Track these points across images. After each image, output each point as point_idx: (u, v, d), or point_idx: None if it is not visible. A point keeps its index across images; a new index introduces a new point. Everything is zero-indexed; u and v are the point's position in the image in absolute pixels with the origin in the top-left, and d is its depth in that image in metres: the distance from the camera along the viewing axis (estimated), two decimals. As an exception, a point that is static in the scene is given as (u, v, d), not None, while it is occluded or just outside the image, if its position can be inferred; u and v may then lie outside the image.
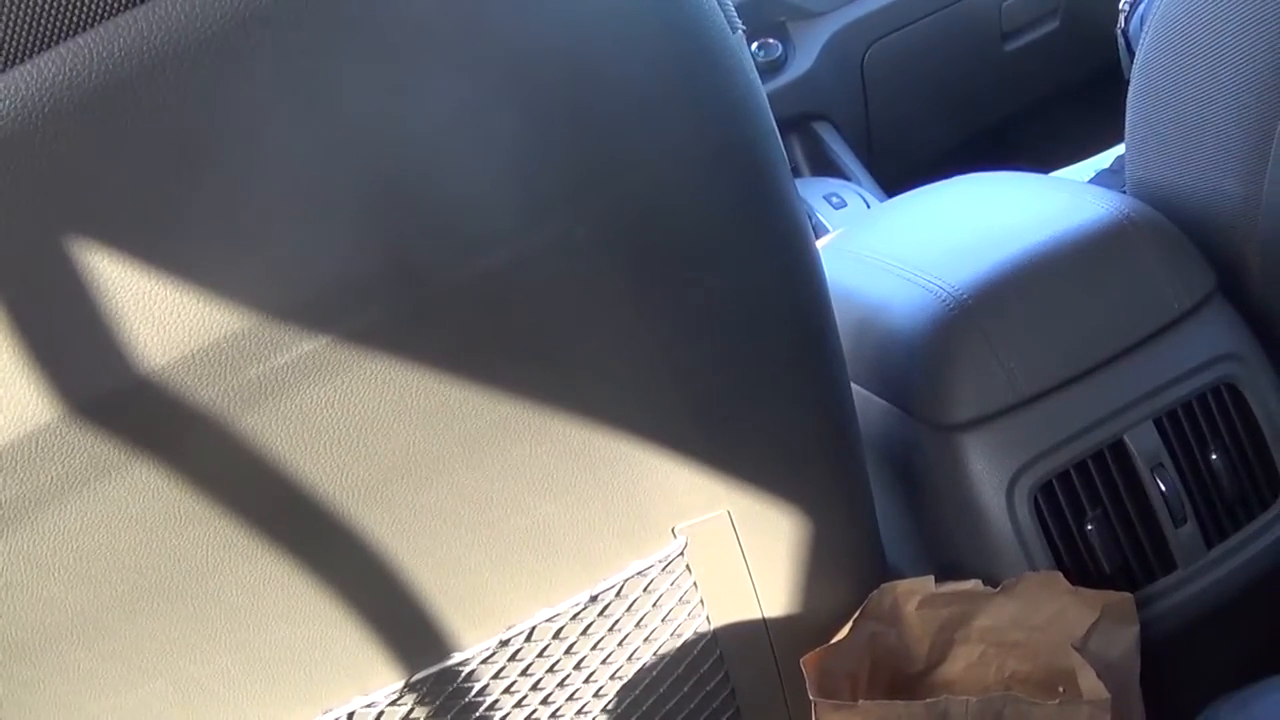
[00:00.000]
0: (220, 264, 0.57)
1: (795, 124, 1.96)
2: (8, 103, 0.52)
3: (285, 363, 0.60)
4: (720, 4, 0.64)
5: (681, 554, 0.78)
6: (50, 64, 0.53)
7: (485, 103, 0.58)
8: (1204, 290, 0.95)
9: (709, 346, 0.69)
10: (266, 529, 0.67)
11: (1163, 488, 0.89)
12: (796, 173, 1.98)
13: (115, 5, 0.54)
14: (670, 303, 0.67)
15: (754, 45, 1.91)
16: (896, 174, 1.96)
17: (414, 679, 0.77)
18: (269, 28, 0.55)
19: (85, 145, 0.54)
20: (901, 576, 0.87)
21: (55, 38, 0.54)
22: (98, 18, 0.54)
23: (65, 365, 0.57)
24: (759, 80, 0.67)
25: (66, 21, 0.54)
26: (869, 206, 1.76)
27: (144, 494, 0.63)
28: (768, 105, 0.67)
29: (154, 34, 0.53)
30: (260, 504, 0.66)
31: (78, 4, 0.54)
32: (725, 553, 0.79)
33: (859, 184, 1.86)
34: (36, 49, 0.53)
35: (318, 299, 0.59)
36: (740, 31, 0.66)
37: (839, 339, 0.76)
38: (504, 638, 0.78)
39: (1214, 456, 0.92)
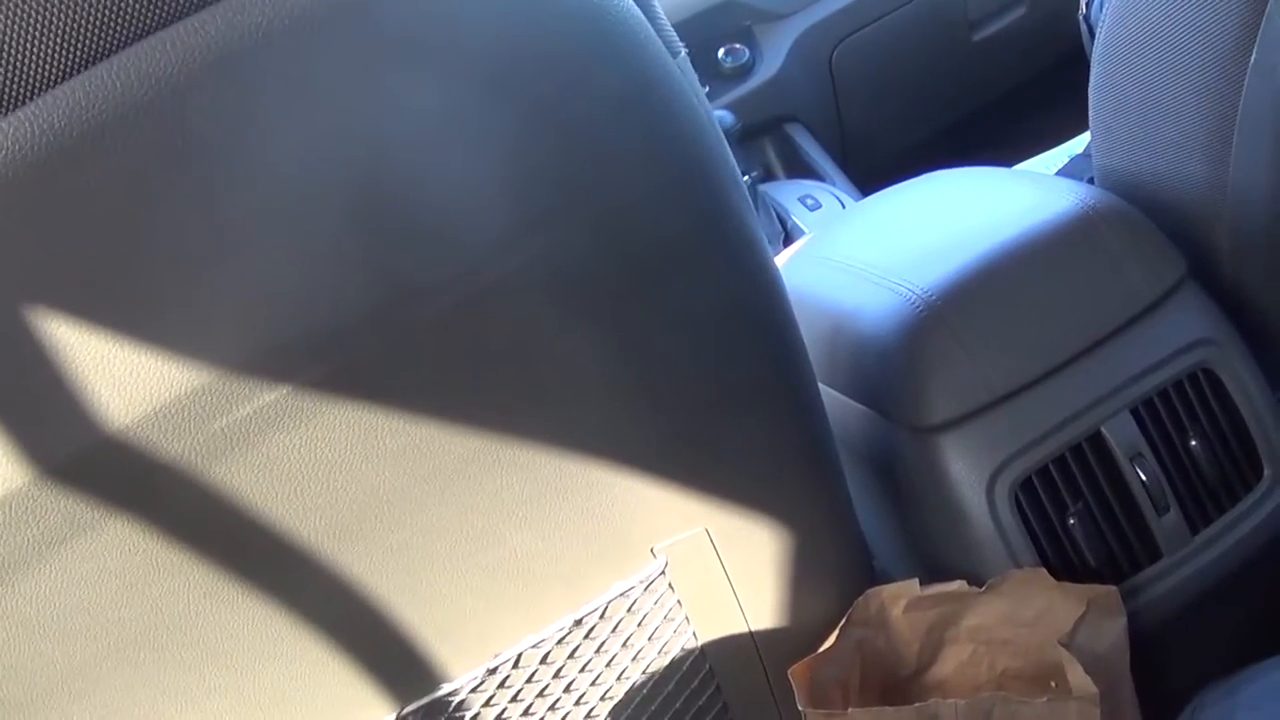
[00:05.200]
0: (177, 321, 0.57)
1: (767, 127, 1.96)
2: None
3: (248, 414, 0.60)
4: (659, 30, 0.64)
5: (663, 573, 0.78)
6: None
7: (461, 122, 0.59)
8: (1174, 277, 0.95)
9: (675, 366, 0.69)
10: (245, 574, 0.67)
11: (1143, 477, 0.90)
12: (770, 175, 1.98)
13: (59, 74, 0.54)
14: (634, 323, 0.67)
15: (720, 51, 1.91)
16: (871, 171, 1.96)
17: (404, 712, 0.78)
18: (230, 72, 0.55)
19: (36, 211, 0.54)
20: (889, 580, 0.87)
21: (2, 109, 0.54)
22: (40, 88, 0.54)
23: (31, 431, 0.57)
24: (705, 103, 0.67)
25: (10, 93, 0.54)
26: (844, 206, 1.76)
27: (121, 549, 0.63)
28: (716, 125, 0.68)
29: (103, 95, 0.54)
30: (237, 550, 0.66)
31: (16, 79, 0.54)
32: (706, 569, 0.79)
33: (833, 184, 1.85)
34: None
35: (276, 350, 0.59)
36: (683, 55, 0.67)
37: (805, 349, 0.76)
38: (491, 666, 0.78)
39: (1193, 442, 0.92)
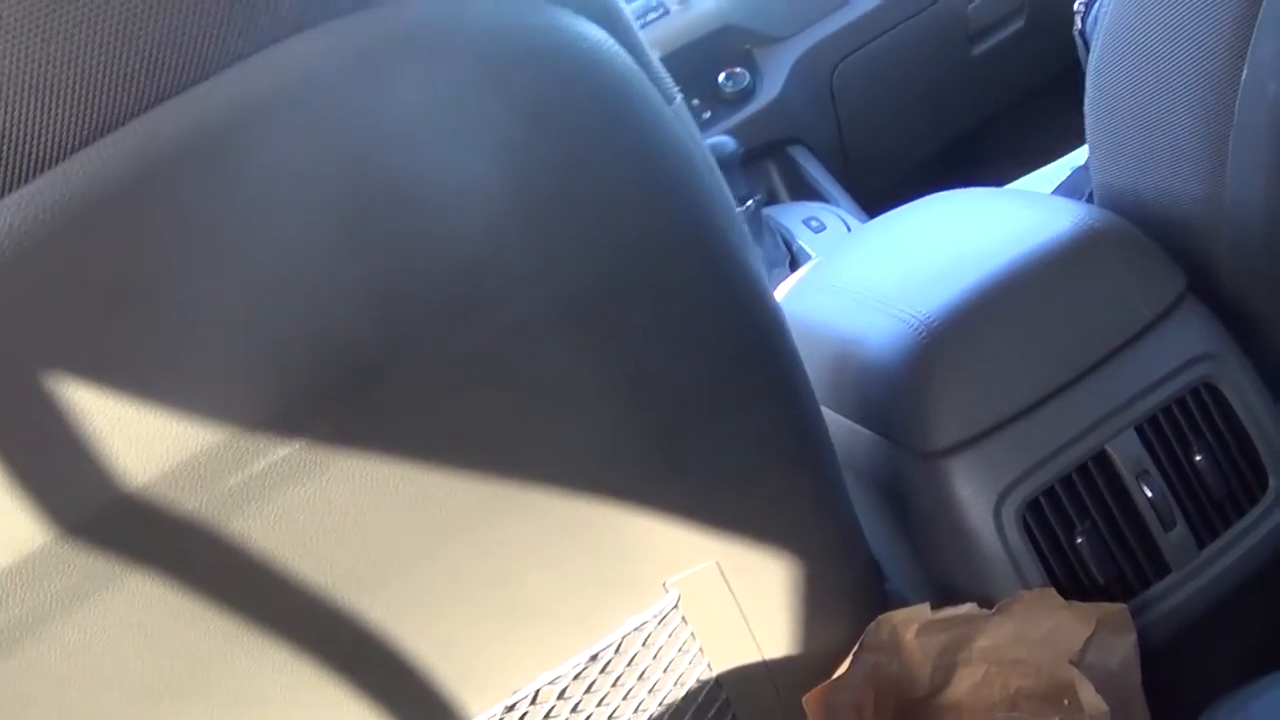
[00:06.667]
0: (190, 382, 0.58)
1: (769, 150, 1.96)
2: None
3: (263, 469, 0.61)
4: (654, 78, 0.65)
5: (675, 606, 0.79)
6: (9, 208, 0.54)
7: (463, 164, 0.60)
8: (1174, 293, 0.95)
9: (678, 403, 0.70)
10: (264, 623, 0.68)
11: (1149, 493, 0.90)
12: (774, 198, 1.98)
13: (67, 147, 0.56)
14: (639, 360, 0.68)
15: (721, 76, 1.91)
16: (875, 190, 1.97)
17: (424, 751, 0.79)
18: (230, 142, 0.56)
19: (50, 280, 0.55)
20: (903, 604, 0.88)
21: (15, 182, 0.55)
22: (48, 162, 0.56)
23: (54, 490, 0.59)
24: (703, 148, 0.68)
25: (29, 162, 0.55)
26: (848, 227, 1.77)
27: (143, 601, 0.64)
28: (715, 170, 0.68)
29: (110, 167, 0.55)
30: (255, 600, 0.67)
31: (40, 145, 0.55)
32: (718, 601, 0.80)
33: (837, 205, 1.86)
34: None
35: (287, 406, 0.60)
36: (678, 100, 0.67)
37: (808, 380, 0.77)
38: (509, 703, 0.79)
39: (1198, 457, 0.92)
